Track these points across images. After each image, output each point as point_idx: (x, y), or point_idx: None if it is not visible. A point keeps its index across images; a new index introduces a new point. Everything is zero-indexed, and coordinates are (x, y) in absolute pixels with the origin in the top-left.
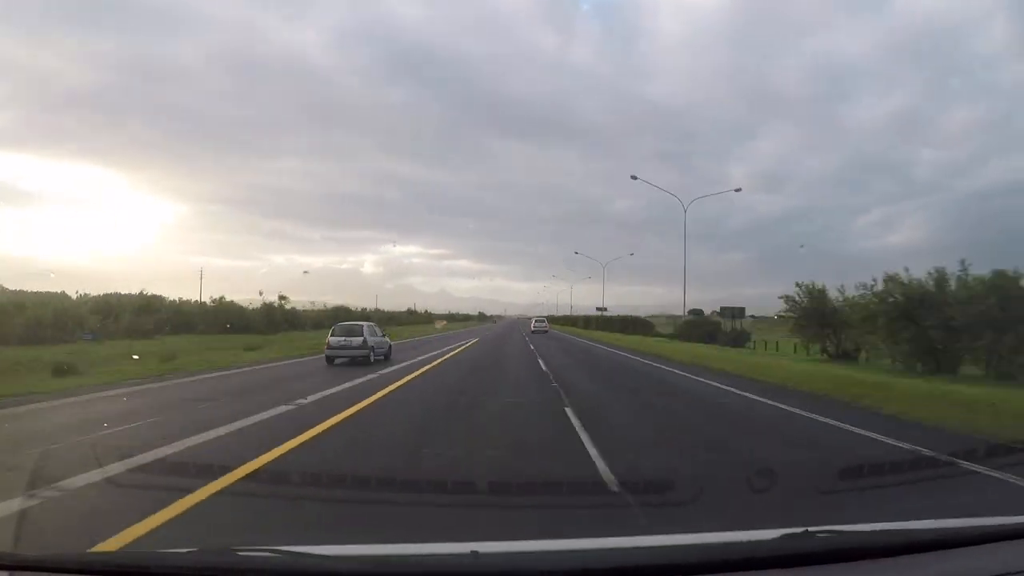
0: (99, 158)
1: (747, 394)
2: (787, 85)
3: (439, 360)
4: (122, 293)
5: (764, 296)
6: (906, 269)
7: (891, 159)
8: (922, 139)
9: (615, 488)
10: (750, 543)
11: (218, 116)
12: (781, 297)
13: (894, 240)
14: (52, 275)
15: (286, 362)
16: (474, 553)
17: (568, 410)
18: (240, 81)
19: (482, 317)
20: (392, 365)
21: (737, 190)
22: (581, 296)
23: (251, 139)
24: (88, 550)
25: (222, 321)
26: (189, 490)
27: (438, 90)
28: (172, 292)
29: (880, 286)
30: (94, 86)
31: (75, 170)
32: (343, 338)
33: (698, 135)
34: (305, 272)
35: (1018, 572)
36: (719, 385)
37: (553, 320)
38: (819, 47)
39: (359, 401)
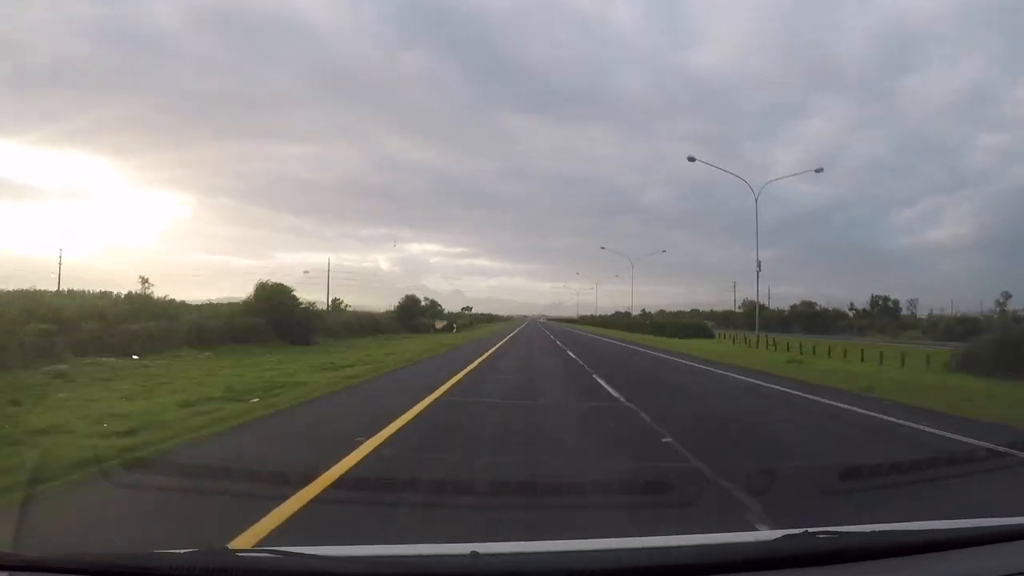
0: (85, 143)
1: None
2: (846, 54)
3: None
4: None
5: (792, 296)
6: None
7: (945, 144)
8: (982, 121)
9: None
10: (751, 544)
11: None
12: None
13: (935, 235)
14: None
15: None
16: (474, 554)
17: None
18: (243, 49)
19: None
20: None
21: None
22: (608, 296)
23: (259, 120)
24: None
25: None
26: None
27: (456, 56)
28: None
29: None
30: (72, 57)
31: (55, 157)
32: None
33: (742, 114)
34: (305, 272)
35: (1019, 573)
36: None
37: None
38: (887, 4)
39: None
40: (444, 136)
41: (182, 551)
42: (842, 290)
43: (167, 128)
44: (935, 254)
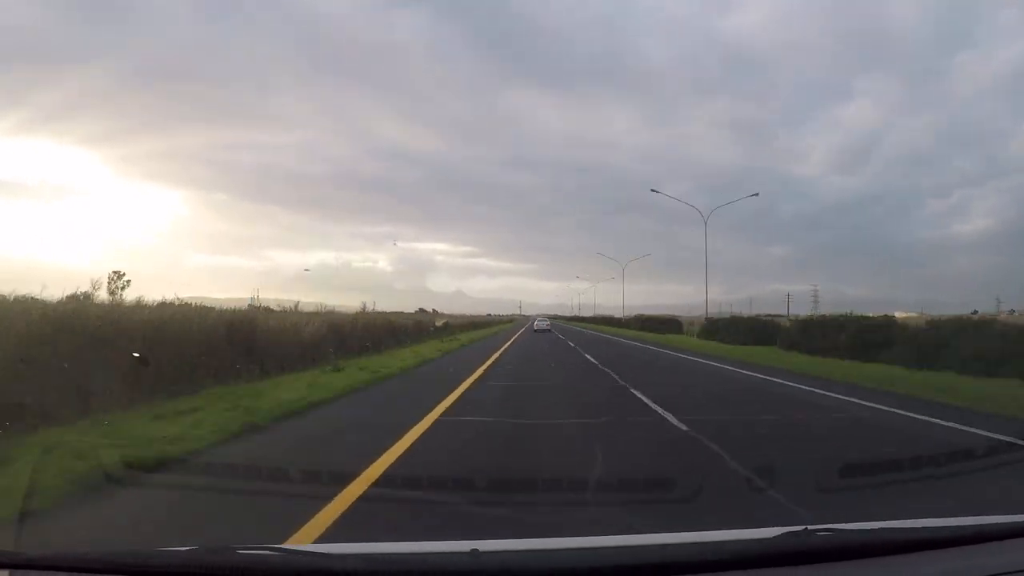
0: (59, 133)
1: None
2: (899, 23)
3: None
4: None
5: (800, 292)
6: None
7: (986, 130)
8: None
9: None
10: (750, 541)
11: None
12: None
13: (964, 229)
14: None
15: None
16: (474, 551)
17: None
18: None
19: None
20: None
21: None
22: (614, 295)
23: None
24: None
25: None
26: None
27: (458, 17)
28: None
29: None
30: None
31: (25, 147)
32: None
33: (779, 92)
34: (306, 270)
35: (1018, 571)
36: None
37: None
38: None
39: None
40: (449, 119)
41: (183, 548)
42: (858, 288)
43: (148, 112)
44: (959, 250)
